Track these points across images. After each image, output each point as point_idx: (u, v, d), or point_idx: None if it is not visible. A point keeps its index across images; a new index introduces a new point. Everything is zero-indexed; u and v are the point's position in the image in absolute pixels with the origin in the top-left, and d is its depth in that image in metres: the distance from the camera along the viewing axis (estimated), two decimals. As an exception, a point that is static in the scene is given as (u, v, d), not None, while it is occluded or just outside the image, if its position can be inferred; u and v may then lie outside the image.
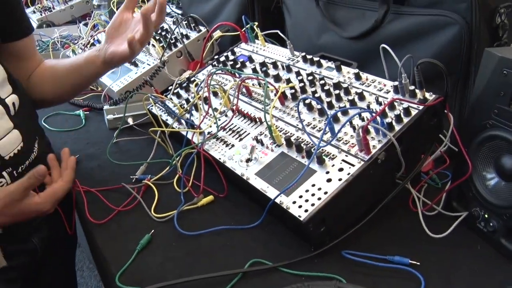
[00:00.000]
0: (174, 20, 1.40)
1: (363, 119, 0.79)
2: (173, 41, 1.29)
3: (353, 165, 0.72)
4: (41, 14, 2.14)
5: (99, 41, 1.50)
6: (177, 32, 1.30)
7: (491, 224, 0.71)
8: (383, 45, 0.83)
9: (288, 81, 0.94)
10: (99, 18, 1.56)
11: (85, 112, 1.29)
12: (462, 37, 0.85)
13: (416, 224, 0.76)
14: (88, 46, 1.47)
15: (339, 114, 0.81)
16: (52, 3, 2.18)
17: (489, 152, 0.71)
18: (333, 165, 0.74)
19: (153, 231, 0.78)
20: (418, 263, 0.69)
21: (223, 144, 0.89)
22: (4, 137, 0.78)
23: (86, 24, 1.69)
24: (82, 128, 1.22)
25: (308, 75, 0.93)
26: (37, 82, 0.98)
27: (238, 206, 0.85)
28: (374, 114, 0.73)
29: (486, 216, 0.72)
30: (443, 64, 0.75)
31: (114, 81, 1.26)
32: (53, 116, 1.28)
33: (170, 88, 1.15)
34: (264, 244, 0.75)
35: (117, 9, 1.56)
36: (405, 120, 0.75)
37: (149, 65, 1.27)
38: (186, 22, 1.35)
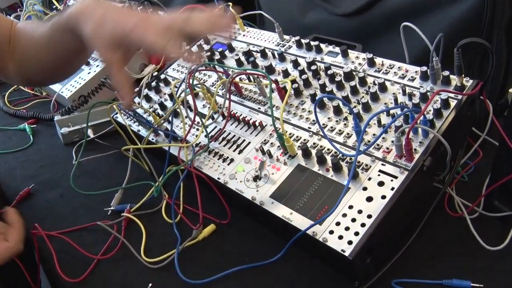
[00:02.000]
0: (127, 5, 1.18)
1: (392, 116, 0.65)
2: (130, 31, 1.09)
3: (395, 177, 0.58)
4: (-43, 8, 1.82)
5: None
6: (133, 21, 1.10)
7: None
8: (406, 23, 0.69)
9: (286, 73, 0.78)
10: (33, 8, 1.31)
11: (31, 126, 1.07)
12: (484, 8, 0.73)
13: (461, 232, 0.65)
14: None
15: (361, 111, 0.67)
16: (-31, -6, 1.86)
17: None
18: (369, 179, 0.59)
19: (150, 285, 0.61)
20: (482, 286, 0.57)
21: (218, 159, 0.72)
22: None
23: (18, 17, 1.43)
24: (30, 146, 1.00)
25: (309, 64, 0.77)
26: None
27: (246, 233, 0.70)
28: (415, 112, 0.59)
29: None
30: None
31: (64, 85, 1.05)
32: (-9, 134, 1.06)
33: (135, 89, 0.95)
34: (292, 285, 0.61)
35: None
36: (445, 113, 0.62)
37: (104, 62, 1.06)
38: (141, 7, 1.14)
